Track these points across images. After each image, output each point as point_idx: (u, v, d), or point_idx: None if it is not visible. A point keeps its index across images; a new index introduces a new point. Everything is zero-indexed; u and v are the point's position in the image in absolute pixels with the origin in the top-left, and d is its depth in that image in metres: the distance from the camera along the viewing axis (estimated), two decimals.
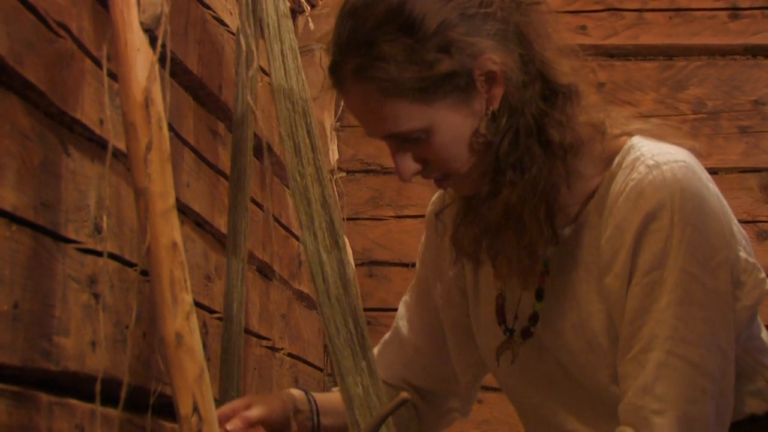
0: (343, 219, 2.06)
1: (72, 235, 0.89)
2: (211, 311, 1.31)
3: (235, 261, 1.23)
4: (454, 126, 0.98)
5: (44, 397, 0.84)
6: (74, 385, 0.89)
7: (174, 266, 0.82)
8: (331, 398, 1.13)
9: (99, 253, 0.92)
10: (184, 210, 1.23)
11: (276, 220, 1.71)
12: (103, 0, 0.92)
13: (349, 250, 2.01)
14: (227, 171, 1.32)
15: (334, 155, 2.03)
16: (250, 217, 1.27)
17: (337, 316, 1.03)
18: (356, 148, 2.27)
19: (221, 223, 1.35)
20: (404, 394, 0.92)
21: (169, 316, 0.82)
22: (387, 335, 1.23)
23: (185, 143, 1.25)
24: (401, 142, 1.00)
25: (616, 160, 1.02)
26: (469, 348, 1.17)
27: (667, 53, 2.26)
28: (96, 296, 0.93)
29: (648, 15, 2.24)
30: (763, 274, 1.03)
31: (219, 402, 1.08)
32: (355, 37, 0.97)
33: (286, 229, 1.77)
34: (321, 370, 1.96)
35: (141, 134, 0.83)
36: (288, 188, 1.70)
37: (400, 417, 1.15)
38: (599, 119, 1.03)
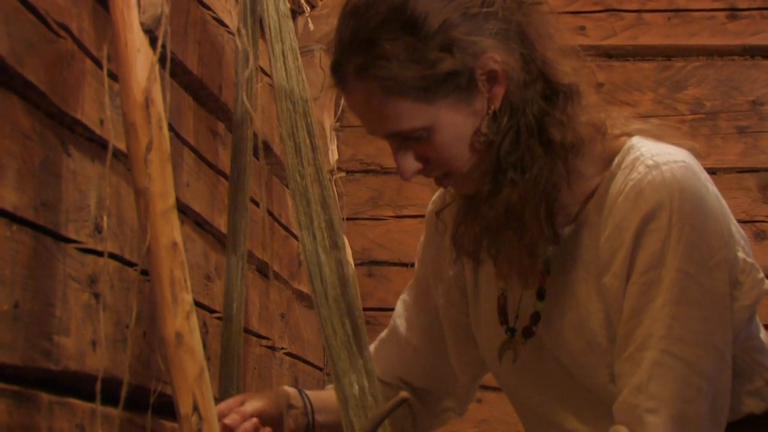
0: (343, 219, 2.06)
1: (72, 235, 0.89)
2: (211, 311, 1.31)
3: (234, 260, 1.23)
4: (456, 125, 0.99)
5: (45, 397, 0.85)
6: (75, 385, 0.90)
7: (174, 266, 0.82)
8: (325, 396, 1.13)
9: (99, 253, 0.93)
10: (184, 210, 1.23)
11: (276, 220, 1.71)
12: (104, 0, 0.92)
13: (349, 250, 2.02)
14: (227, 171, 1.32)
15: (333, 155, 2.03)
16: (250, 217, 1.28)
17: (334, 316, 1.03)
18: (356, 148, 2.27)
19: (221, 223, 1.35)
20: (403, 394, 0.92)
21: (169, 316, 0.82)
22: (384, 333, 1.23)
23: (185, 143, 1.25)
24: (403, 140, 1.01)
25: (616, 160, 1.02)
26: (468, 347, 1.17)
27: (666, 54, 2.26)
28: (96, 296, 0.93)
29: (647, 16, 2.25)
30: (761, 274, 1.03)
31: (218, 401, 1.09)
32: (357, 36, 0.98)
33: (286, 229, 1.78)
34: (321, 369, 1.96)
35: (141, 134, 0.83)
36: (288, 188, 1.70)
37: (395, 415, 1.15)
38: (600, 119, 1.04)
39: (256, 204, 1.49)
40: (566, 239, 1.04)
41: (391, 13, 0.97)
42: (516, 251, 1.02)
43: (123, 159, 0.98)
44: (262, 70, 1.42)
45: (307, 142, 1.10)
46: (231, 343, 1.20)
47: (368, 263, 2.24)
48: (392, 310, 1.24)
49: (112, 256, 0.98)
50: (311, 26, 1.84)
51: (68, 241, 0.89)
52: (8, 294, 0.78)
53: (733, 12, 2.23)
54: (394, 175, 2.26)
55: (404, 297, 1.22)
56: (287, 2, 1.21)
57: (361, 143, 2.25)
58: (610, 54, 2.24)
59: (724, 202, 1.03)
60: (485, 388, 2.08)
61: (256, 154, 1.25)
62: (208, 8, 1.36)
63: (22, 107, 0.82)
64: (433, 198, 1.19)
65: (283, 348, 1.71)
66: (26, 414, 0.81)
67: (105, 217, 0.94)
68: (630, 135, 1.04)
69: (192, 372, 0.82)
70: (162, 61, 0.86)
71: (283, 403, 1.10)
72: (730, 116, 2.23)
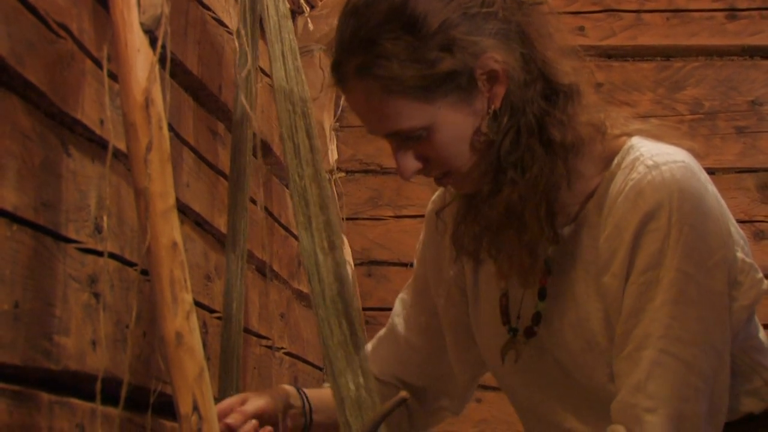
0: (343, 219, 2.06)
1: (72, 235, 0.90)
2: (211, 311, 1.32)
3: (234, 260, 1.23)
4: (456, 124, 0.99)
5: (45, 396, 0.85)
6: (75, 385, 0.90)
7: (174, 266, 0.82)
8: (323, 394, 1.13)
9: (99, 253, 0.93)
10: (184, 210, 1.24)
11: (275, 220, 1.71)
12: (104, 1, 0.92)
13: (348, 250, 2.02)
14: (227, 171, 1.32)
15: (333, 155, 2.04)
16: (250, 217, 1.28)
17: (331, 317, 1.03)
18: (355, 148, 2.27)
19: (221, 223, 1.35)
20: (403, 393, 0.92)
21: (169, 316, 0.82)
22: (382, 331, 1.23)
23: (185, 143, 1.25)
24: (403, 140, 1.01)
25: (616, 160, 1.03)
26: (468, 347, 1.17)
27: (665, 54, 2.26)
28: (96, 296, 0.93)
29: (646, 16, 2.25)
30: (760, 274, 1.04)
31: (218, 401, 1.09)
32: (357, 35, 0.98)
33: (286, 229, 1.78)
34: (320, 369, 1.96)
35: (141, 134, 0.83)
36: (288, 188, 1.71)
37: (392, 413, 1.15)
38: (599, 119, 1.04)
39: (256, 204, 1.49)
40: (566, 239, 1.04)
41: (391, 13, 0.97)
42: (516, 251, 1.02)
43: (123, 159, 0.98)
44: (262, 71, 1.42)
45: (306, 143, 1.10)
46: (231, 343, 1.20)
47: (368, 263, 2.24)
48: (392, 309, 1.24)
49: (112, 256, 0.98)
50: (311, 26, 1.84)
51: (68, 241, 0.89)
52: (8, 294, 0.78)
53: (732, 12, 2.24)
54: (393, 175, 2.26)
55: (403, 296, 1.22)
56: (287, 2, 1.22)
57: (361, 143, 2.26)
58: (609, 54, 2.25)
59: (723, 202, 1.03)
60: (485, 387, 2.09)
61: (255, 154, 1.25)
62: (208, 8, 1.36)
63: (22, 107, 0.82)
64: (433, 197, 1.19)
65: (282, 348, 1.71)
66: (26, 414, 0.81)
67: (105, 217, 0.95)
68: (630, 135, 1.05)
69: (192, 372, 0.82)
70: (162, 61, 0.86)
71: (283, 403, 1.10)
72: (729, 116, 2.23)
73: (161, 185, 0.83)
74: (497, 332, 1.10)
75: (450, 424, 2.24)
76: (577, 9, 2.24)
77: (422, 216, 1.21)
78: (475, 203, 1.04)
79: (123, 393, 0.83)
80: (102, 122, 0.96)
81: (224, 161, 1.38)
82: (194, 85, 1.30)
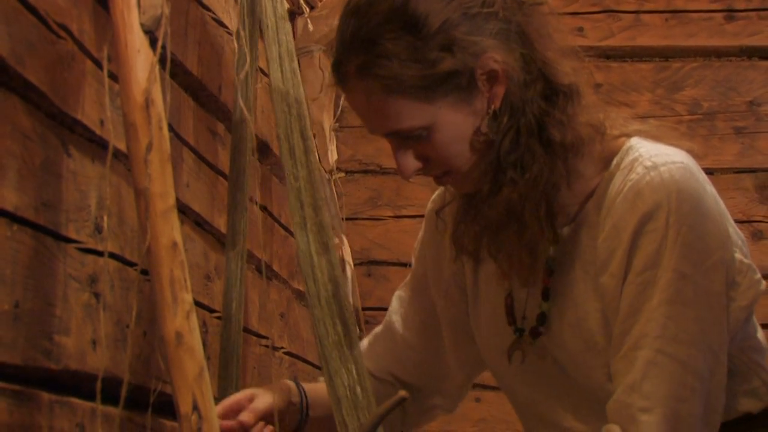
0: (342, 219, 2.06)
1: (73, 235, 0.90)
2: (211, 310, 1.32)
3: (234, 260, 1.23)
4: (456, 124, 0.99)
5: (45, 396, 0.85)
6: (75, 384, 0.90)
7: (174, 266, 0.83)
8: (321, 389, 1.13)
9: (99, 253, 0.93)
10: (184, 210, 1.24)
11: (275, 220, 1.72)
12: (104, 1, 0.92)
13: (348, 250, 2.02)
14: (227, 171, 1.32)
15: (332, 156, 2.04)
16: (249, 217, 1.28)
17: (326, 317, 1.04)
18: (355, 148, 2.27)
19: (221, 223, 1.36)
20: (402, 393, 0.92)
21: (169, 316, 0.82)
22: (378, 328, 1.23)
23: (185, 144, 1.25)
24: (403, 139, 1.01)
25: (615, 161, 1.03)
26: (466, 346, 1.18)
27: (664, 55, 2.27)
28: (96, 295, 0.93)
29: (644, 17, 2.25)
30: (758, 275, 1.04)
31: (218, 401, 1.09)
32: (358, 35, 0.98)
33: (286, 229, 1.78)
34: (320, 368, 1.96)
35: (141, 135, 0.84)
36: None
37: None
38: (599, 120, 1.04)
39: (256, 204, 1.49)
40: (565, 239, 1.05)
41: (392, 13, 0.97)
42: (516, 250, 1.02)
43: (123, 159, 0.98)
44: (262, 71, 1.42)
45: (301, 144, 1.11)
46: (230, 343, 1.21)
47: (367, 263, 2.25)
48: None
49: (112, 255, 0.98)
50: (310, 27, 1.84)
51: (69, 241, 0.89)
52: (9, 293, 0.78)
53: (730, 13, 2.24)
54: (392, 176, 2.27)
55: (400, 293, 1.22)
56: (285, 4, 1.22)
57: (360, 143, 2.26)
58: (608, 55, 2.25)
59: (722, 203, 1.03)
60: (484, 387, 2.09)
61: (253, 154, 1.25)
62: (208, 9, 1.37)
63: (22, 108, 0.83)
64: (433, 196, 1.19)
65: (282, 347, 1.71)
66: (27, 413, 0.82)
67: (105, 217, 0.95)
68: (629, 136, 1.05)
69: (192, 371, 0.82)
70: (162, 61, 0.86)
71: (287, 401, 1.10)
72: (728, 117, 2.23)
73: (161, 185, 0.83)
74: (499, 332, 1.10)
75: (449, 424, 2.25)
76: (575, 9, 2.24)
77: (422, 216, 1.21)
78: (475, 203, 1.04)
79: (123, 392, 0.84)
80: (102, 122, 0.96)
81: (224, 161, 1.38)
82: (194, 85, 1.30)
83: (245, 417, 1.03)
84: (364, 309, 2.10)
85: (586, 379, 1.05)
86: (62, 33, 0.89)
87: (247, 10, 1.21)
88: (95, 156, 0.95)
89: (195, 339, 0.83)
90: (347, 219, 2.19)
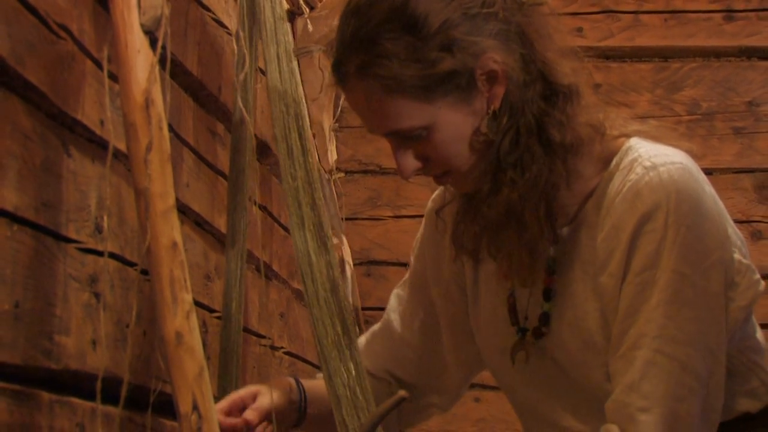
0: (342, 219, 2.06)
1: (73, 235, 0.90)
2: (211, 310, 1.32)
3: (233, 260, 1.23)
4: (455, 124, 0.99)
5: (45, 396, 0.85)
6: (75, 384, 0.90)
7: (174, 266, 0.83)
8: (318, 387, 1.13)
9: (100, 253, 0.93)
10: (184, 210, 1.24)
11: (275, 220, 1.72)
12: (104, 2, 0.92)
13: (348, 250, 2.02)
14: (226, 171, 1.33)
15: (332, 156, 2.04)
16: (249, 217, 1.28)
17: (325, 317, 1.04)
18: (354, 148, 2.28)
19: (221, 223, 1.36)
20: (402, 393, 0.92)
21: (169, 315, 0.82)
22: (376, 326, 1.23)
23: (185, 144, 1.25)
24: (402, 139, 1.01)
25: (614, 161, 1.03)
26: (465, 345, 1.18)
27: (663, 55, 2.27)
28: (97, 295, 0.93)
29: (644, 17, 2.26)
30: (757, 275, 1.04)
31: (218, 400, 1.09)
32: (358, 34, 0.98)
33: (285, 229, 1.78)
34: (319, 368, 1.96)
35: (141, 135, 0.84)
36: None
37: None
38: (598, 120, 1.04)
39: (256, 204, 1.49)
40: (565, 239, 1.05)
41: (392, 13, 0.97)
42: (516, 250, 1.02)
43: (123, 159, 0.98)
44: (262, 71, 1.42)
45: (298, 144, 1.11)
46: (230, 343, 1.21)
47: (367, 263, 2.25)
48: None
49: (112, 255, 0.98)
50: (310, 27, 1.85)
51: (69, 241, 0.89)
52: (9, 293, 0.79)
53: (729, 13, 2.24)
54: (392, 176, 2.27)
55: (398, 291, 1.22)
56: (284, 4, 1.22)
57: (360, 144, 2.26)
58: (607, 55, 2.25)
59: (721, 203, 1.04)
60: (483, 387, 2.09)
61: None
62: (208, 9, 1.37)
63: (22, 108, 0.83)
64: (433, 196, 1.19)
65: (282, 347, 1.71)
66: (27, 413, 0.82)
67: (105, 217, 0.95)
68: (628, 136, 1.05)
69: (192, 371, 0.82)
70: (162, 62, 0.86)
71: (288, 400, 1.10)
72: (727, 117, 2.24)
73: (161, 185, 0.83)
74: (499, 332, 1.11)
75: (449, 423, 2.25)
76: (575, 10, 2.25)
77: (421, 216, 1.21)
78: (475, 203, 1.05)
79: (123, 392, 0.84)
80: (102, 123, 0.96)
81: (224, 161, 1.38)
82: (194, 85, 1.31)
83: (251, 416, 1.03)
84: (363, 309, 2.10)
85: (585, 378, 1.05)
86: (62, 33, 0.89)
87: (246, 11, 1.22)
88: (95, 156, 0.96)
89: (195, 339, 0.83)
90: (347, 219, 2.19)
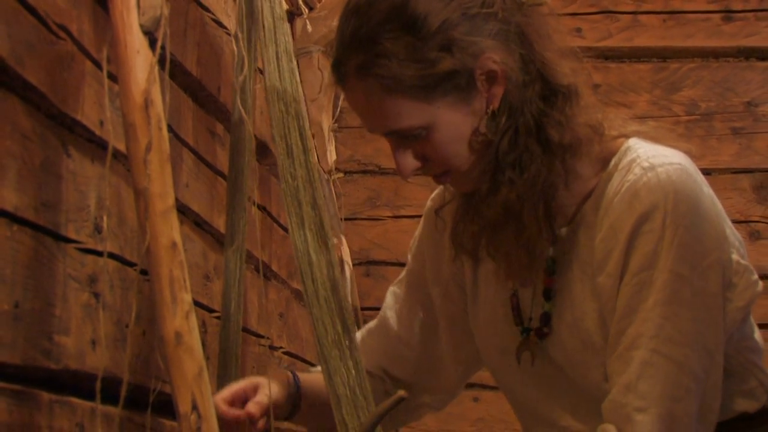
0: (341, 219, 2.07)
1: (72, 235, 0.90)
2: (211, 310, 1.32)
3: (233, 260, 1.23)
4: (454, 124, 1.00)
5: (45, 396, 0.85)
6: (75, 384, 0.90)
7: (173, 266, 0.83)
8: (314, 380, 1.13)
9: (99, 253, 0.93)
10: (183, 210, 1.24)
11: (274, 220, 1.72)
12: (104, 2, 0.92)
13: (347, 250, 2.02)
14: (226, 171, 1.33)
15: (331, 156, 2.04)
16: (248, 217, 1.28)
17: (325, 316, 1.04)
18: (354, 148, 2.28)
19: (220, 223, 1.36)
20: (401, 392, 0.93)
21: (168, 315, 0.82)
22: (372, 323, 1.23)
23: (184, 144, 1.25)
24: (402, 139, 1.01)
25: (613, 162, 1.03)
26: (465, 344, 1.18)
27: (661, 55, 2.27)
28: (96, 295, 0.93)
29: (642, 17, 2.26)
30: (755, 276, 1.04)
31: None
32: (358, 34, 0.99)
33: (284, 229, 1.78)
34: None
35: (141, 135, 0.84)
36: None
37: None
38: (597, 120, 1.04)
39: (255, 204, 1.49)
40: (563, 239, 1.05)
41: (392, 13, 0.98)
42: (514, 250, 1.03)
43: (123, 160, 0.98)
44: (261, 72, 1.43)
45: (299, 143, 1.11)
46: (230, 343, 1.21)
47: (366, 263, 2.25)
48: None
49: (111, 256, 0.98)
50: (309, 28, 1.85)
51: (68, 241, 0.89)
52: (9, 294, 0.79)
53: (727, 14, 2.24)
54: (391, 176, 2.27)
55: (395, 289, 1.22)
56: (283, 5, 1.22)
57: (359, 144, 2.26)
58: (606, 55, 2.25)
59: (719, 204, 1.04)
60: (482, 386, 2.09)
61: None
62: (207, 10, 1.37)
63: (22, 108, 0.83)
64: (433, 195, 1.19)
65: (281, 347, 1.71)
66: (27, 413, 0.82)
67: (105, 218, 0.95)
68: (627, 136, 1.05)
69: (191, 371, 0.82)
70: (161, 62, 0.87)
71: (287, 395, 1.10)
72: (725, 117, 2.24)
73: (161, 185, 0.84)
74: (499, 331, 1.11)
75: (448, 423, 2.25)
76: (574, 10, 2.25)
77: (420, 216, 1.21)
78: (474, 202, 1.05)
79: (123, 392, 0.84)
80: (102, 123, 0.96)
81: (223, 161, 1.38)
82: (193, 86, 1.31)
83: (253, 409, 1.03)
84: (362, 309, 2.10)
85: (584, 378, 1.05)
86: (62, 33, 0.89)
87: (245, 12, 1.22)
88: (95, 156, 0.96)
89: (194, 339, 0.83)
90: (346, 219, 2.19)
